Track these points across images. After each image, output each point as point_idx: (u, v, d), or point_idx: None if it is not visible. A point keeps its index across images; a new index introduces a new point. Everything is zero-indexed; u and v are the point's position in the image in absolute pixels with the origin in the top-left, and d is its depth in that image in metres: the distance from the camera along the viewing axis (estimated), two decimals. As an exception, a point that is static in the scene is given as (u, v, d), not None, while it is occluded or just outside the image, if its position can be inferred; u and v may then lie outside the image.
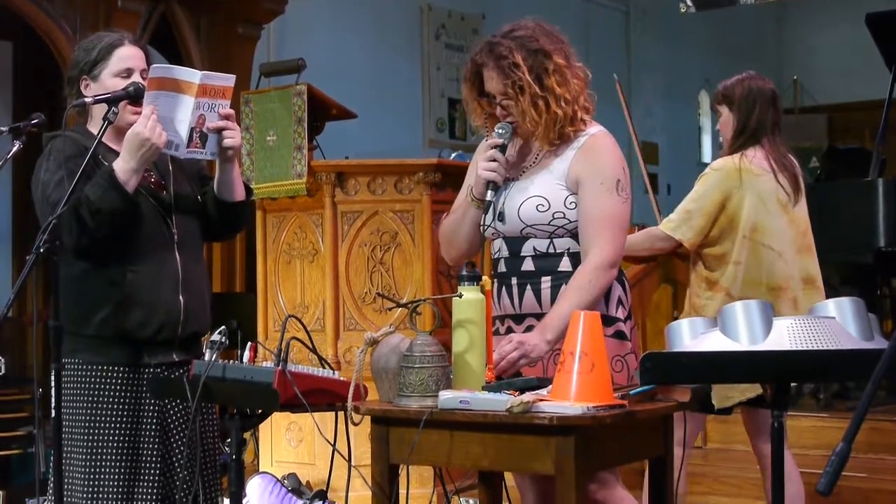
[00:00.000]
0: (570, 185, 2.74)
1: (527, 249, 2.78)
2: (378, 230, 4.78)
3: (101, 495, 2.79)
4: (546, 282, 2.75)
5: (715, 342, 2.24)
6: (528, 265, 2.78)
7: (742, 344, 2.21)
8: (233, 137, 2.83)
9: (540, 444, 2.35)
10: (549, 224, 2.74)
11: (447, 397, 2.44)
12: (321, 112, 4.98)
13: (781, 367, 2.19)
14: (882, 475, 4.73)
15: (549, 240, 2.76)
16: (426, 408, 2.46)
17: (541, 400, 2.37)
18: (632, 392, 2.51)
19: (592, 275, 2.68)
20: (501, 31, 2.79)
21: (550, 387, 2.44)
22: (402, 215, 4.76)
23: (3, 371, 5.80)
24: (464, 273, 2.61)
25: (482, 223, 2.81)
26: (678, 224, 3.63)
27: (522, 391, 2.47)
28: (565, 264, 2.75)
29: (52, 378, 2.64)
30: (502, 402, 2.37)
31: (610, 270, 2.70)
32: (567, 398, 2.35)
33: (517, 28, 2.78)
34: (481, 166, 2.79)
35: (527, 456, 2.39)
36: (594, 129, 2.80)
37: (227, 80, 2.82)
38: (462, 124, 9.12)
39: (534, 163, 2.82)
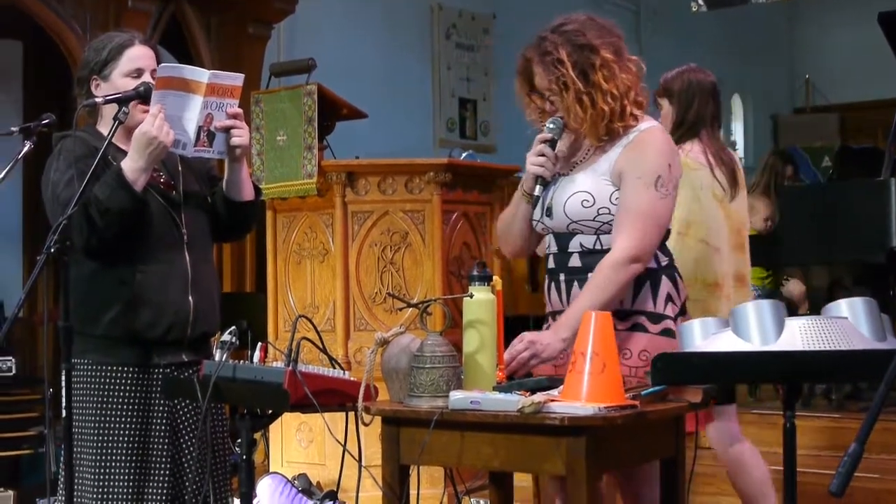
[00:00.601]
0: (615, 181, 2.72)
1: (574, 245, 2.76)
2: (388, 230, 4.77)
3: (111, 495, 2.79)
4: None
5: (727, 342, 2.23)
6: (574, 261, 2.76)
7: (754, 344, 2.20)
8: (241, 136, 2.83)
9: (551, 444, 2.34)
10: (594, 220, 2.72)
11: (458, 398, 2.43)
12: (331, 112, 4.98)
13: (793, 368, 2.18)
14: (895, 476, 4.71)
15: (595, 236, 2.73)
16: (437, 408, 2.45)
17: (552, 400, 2.36)
18: (643, 392, 2.50)
19: (609, 270, 2.66)
20: (551, 26, 2.77)
21: (561, 387, 2.43)
22: (413, 215, 4.76)
23: (13, 371, 5.81)
24: (475, 273, 2.60)
25: (532, 218, 2.81)
26: None
27: (533, 391, 2.46)
28: None
29: (63, 378, 2.64)
30: (513, 402, 2.36)
31: (630, 266, 2.67)
32: (578, 399, 2.34)
33: (567, 22, 2.76)
34: (530, 161, 2.79)
35: (538, 457, 2.38)
36: (646, 125, 2.77)
37: (236, 79, 2.82)
38: (473, 124, 9.11)
39: (584, 158, 2.80)
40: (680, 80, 3.79)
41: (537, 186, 2.78)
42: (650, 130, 2.76)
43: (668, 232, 2.83)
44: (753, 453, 3.80)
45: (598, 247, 2.74)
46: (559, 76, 2.70)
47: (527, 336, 2.65)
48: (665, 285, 2.76)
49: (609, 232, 2.72)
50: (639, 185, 2.69)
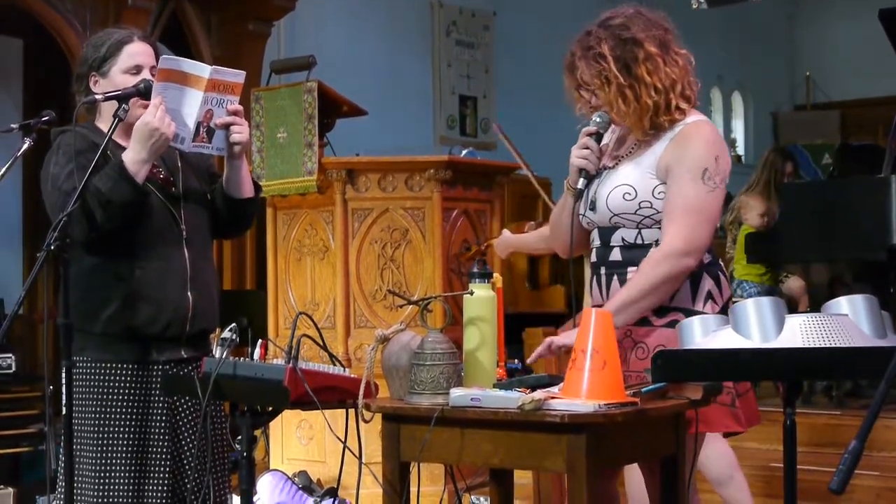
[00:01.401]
0: (660, 175, 2.70)
1: (616, 239, 2.75)
2: (389, 227, 4.77)
3: (111, 492, 2.79)
4: (632, 272, 2.70)
5: (727, 340, 2.23)
6: (615, 255, 2.75)
7: (754, 341, 2.20)
8: (241, 133, 2.83)
9: (551, 441, 2.34)
10: (635, 213, 2.70)
11: (458, 395, 2.43)
12: (332, 109, 4.97)
13: (794, 365, 2.18)
14: (895, 474, 4.71)
15: (636, 230, 2.72)
16: (437, 405, 2.45)
17: (552, 397, 2.36)
18: (644, 390, 2.50)
19: (652, 263, 2.65)
20: (598, 20, 2.75)
21: (562, 384, 2.43)
22: (413, 212, 4.75)
23: (13, 368, 5.81)
24: (475, 270, 2.60)
25: (575, 212, 2.80)
26: None
27: (534, 388, 2.46)
28: None
29: (63, 375, 2.64)
30: (514, 399, 2.36)
31: (680, 259, 2.65)
32: (579, 396, 2.34)
33: (614, 16, 2.74)
34: (574, 154, 2.77)
35: (538, 454, 2.38)
36: (693, 118, 2.75)
37: (238, 76, 2.82)
38: (473, 121, 9.11)
39: (629, 152, 2.78)
40: None
41: (581, 179, 2.76)
42: (696, 123, 2.75)
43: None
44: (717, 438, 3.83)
45: (639, 241, 2.72)
46: (601, 70, 2.68)
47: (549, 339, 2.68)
48: (706, 283, 2.74)
49: (651, 226, 2.70)
50: (686, 178, 2.67)
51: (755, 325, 2.21)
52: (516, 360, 2.73)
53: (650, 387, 2.50)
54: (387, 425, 2.56)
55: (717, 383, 2.58)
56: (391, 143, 6.91)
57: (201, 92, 2.75)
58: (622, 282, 2.72)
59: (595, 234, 2.80)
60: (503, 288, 2.67)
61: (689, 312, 2.68)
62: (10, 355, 5.83)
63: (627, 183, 2.71)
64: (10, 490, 5.00)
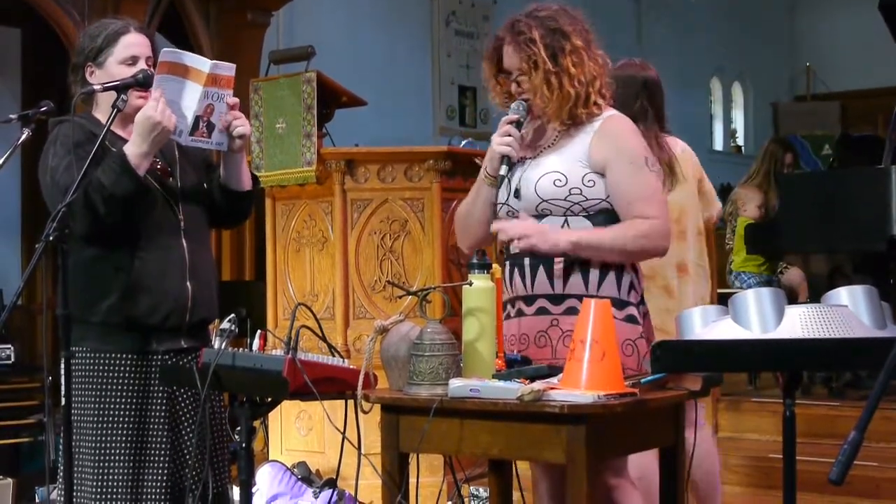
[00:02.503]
0: (592, 166, 2.73)
1: None
2: (388, 218, 4.76)
3: (110, 482, 2.79)
4: (559, 262, 2.73)
5: (726, 330, 2.23)
6: None
7: (754, 332, 2.20)
8: (243, 126, 2.83)
9: (550, 432, 2.34)
10: (565, 199, 2.73)
11: (457, 385, 2.43)
12: (331, 99, 4.96)
13: (793, 356, 2.18)
14: (894, 464, 4.71)
15: (563, 218, 2.74)
16: (436, 396, 2.45)
17: (551, 388, 2.36)
18: (643, 380, 2.50)
19: (648, 229, 2.69)
20: (525, 11, 2.82)
21: (561, 375, 2.43)
22: (412, 203, 4.75)
23: (13, 359, 5.81)
24: (474, 261, 2.60)
25: (496, 200, 2.82)
26: None
27: (533, 379, 2.46)
28: None
29: (62, 366, 2.64)
30: (513, 390, 2.36)
31: (664, 238, 2.72)
32: (578, 386, 2.34)
33: (540, 8, 2.81)
34: (496, 140, 2.80)
35: (537, 444, 2.38)
36: (610, 112, 2.81)
37: (230, 69, 2.82)
38: (472, 111, 9.10)
39: (551, 143, 2.82)
40: (612, 74, 3.74)
41: (503, 166, 2.78)
42: (616, 117, 2.81)
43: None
44: (710, 443, 3.82)
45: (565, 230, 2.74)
46: (531, 55, 2.74)
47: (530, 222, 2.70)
48: (628, 273, 2.78)
49: (578, 213, 2.73)
50: (632, 169, 2.72)
51: (755, 315, 2.21)
52: (515, 351, 2.73)
53: (649, 377, 2.50)
54: (386, 416, 2.56)
55: (717, 374, 2.58)
56: (390, 134, 6.90)
57: (201, 86, 2.75)
58: (548, 272, 2.73)
59: None
60: (502, 278, 2.67)
61: (616, 301, 2.69)
62: (9, 346, 5.83)
63: (557, 170, 2.74)
64: (10, 480, 5.00)
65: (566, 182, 2.72)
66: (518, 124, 2.79)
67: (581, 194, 2.72)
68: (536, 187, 2.74)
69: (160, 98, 2.71)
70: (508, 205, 2.81)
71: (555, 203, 2.73)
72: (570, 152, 2.76)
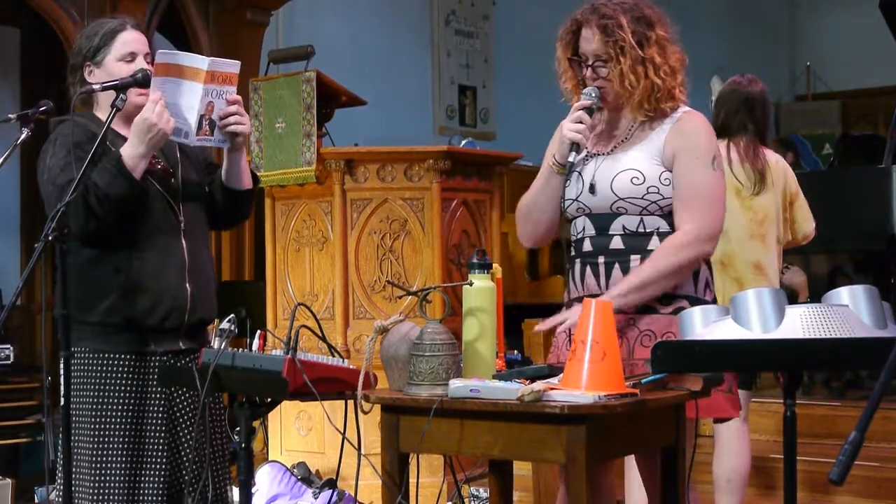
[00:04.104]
0: (665, 162, 2.69)
1: (616, 227, 2.72)
2: (388, 218, 4.76)
3: (106, 483, 2.78)
4: (635, 261, 2.69)
5: (727, 330, 2.22)
6: (616, 243, 2.72)
7: (754, 332, 2.19)
8: (242, 124, 2.82)
9: (551, 432, 2.33)
10: (642, 198, 2.68)
11: (457, 386, 2.42)
12: (330, 99, 4.96)
13: (794, 356, 2.17)
14: (894, 464, 4.71)
15: (639, 217, 2.70)
16: (436, 396, 2.44)
17: (552, 388, 2.35)
18: (643, 381, 2.49)
19: (669, 246, 2.65)
20: None
21: (561, 375, 2.42)
22: (412, 203, 4.74)
23: (11, 359, 5.80)
24: (474, 261, 2.59)
25: (564, 194, 2.76)
26: None
27: (533, 380, 2.45)
28: (654, 243, 2.69)
29: (61, 366, 2.64)
30: (513, 390, 2.35)
31: (703, 244, 2.67)
32: (578, 387, 2.33)
33: None
34: (567, 127, 2.72)
35: (537, 445, 2.37)
36: (685, 108, 2.77)
37: (234, 66, 2.80)
38: (472, 111, 9.09)
39: (627, 137, 2.76)
40: (722, 89, 4.20)
41: (572, 153, 2.72)
42: (691, 113, 2.76)
43: None
44: (744, 440, 3.89)
45: (641, 229, 2.71)
46: (617, 39, 2.66)
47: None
48: (704, 271, 2.76)
49: (654, 213, 2.69)
50: (697, 164, 2.67)
51: (756, 315, 2.20)
52: (516, 351, 2.72)
53: (650, 377, 2.49)
54: (386, 416, 2.56)
55: (718, 374, 2.57)
56: (390, 134, 6.89)
57: (201, 85, 2.74)
58: (624, 270, 2.70)
59: (586, 223, 2.76)
60: (502, 278, 2.66)
61: (693, 300, 2.68)
62: (8, 346, 5.82)
63: (635, 167, 2.69)
64: (9, 481, 5.00)
65: (644, 180, 2.68)
66: (590, 111, 2.72)
67: (658, 193, 2.68)
68: (613, 185, 2.69)
69: (157, 101, 2.70)
70: (580, 201, 2.75)
71: (632, 202, 2.69)
72: (646, 148, 2.71)
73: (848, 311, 2.20)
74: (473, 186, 4.94)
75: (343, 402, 2.55)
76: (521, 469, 4.18)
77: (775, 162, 3.94)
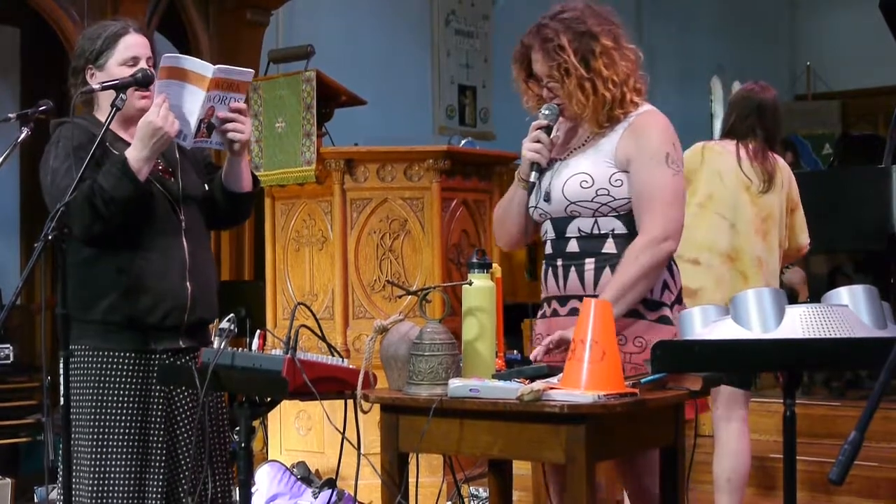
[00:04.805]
0: (618, 163, 2.71)
1: (571, 230, 2.75)
2: (387, 217, 4.76)
3: (107, 482, 2.78)
4: (590, 263, 2.72)
5: (727, 330, 2.22)
6: (572, 246, 2.75)
7: (754, 332, 2.19)
8: (241, 132, 2.81)
9: (550, 432, 2.33)
10: (592, 201, 2.71)
11: (457, 385, 2.42)
12: (330, 98, 4.96)
13: (794, 356, 2.17)
14: (894, 464, 4.71)
15: (593, 219, 2.72)
16: (436, 396, 2.44)
17: (551, 388, 2.35)
18: (643, 380, 2.49)
19: (638, 251, 2.65)
20: (550, 13, 2.78)
21: (561, 375, 2.42)
22: (412, 202, 4.74)
23: (11, 359, 5.81)
24: (474, 260, 2.59)
25: (528, 204, 2.82)
26: None
27: (533, 379, 2.45)
28: (610, 246, 2.72)
29: (61, 365, 2.64)
30: (513, 390, 2.35)
31: (662, 244, 2.66)
32: (578, 386, 2.33)
33: (566, 10, 2.77)
34: (526, 147, 2.79)
35: (537, 444, 2.37)
36: (644, 108, 2.77)
37: (244, 74, 2.80)
38: (472, 111, 9.09)
39: (582, 144, 2.79)
40: (736, 93, 4.21)
41: (533, 172, 2.78)
42: (649, 113, 2.77)
43: None
44: (744, 441, 3.90)
45: (595, 231, 2.73)
46: (560, 62, 2.70)
47: (557, 333, 2.66)
48: (661, 274, 2.75)
49: (607, 214, 2.72)
50: (651, 164, 2.68)
51: (755, 315, 2.20)
52: (515, 351, 2.72)
53: (650, 377, 2.49)
54: (385, 416, 2.56)
55: (717, 374, 2.57)
56: (390, 133, 6.90)
57: (204, 90, 2.74)
58: (579, 273, 2.73)
59: (548, 226, 2.81)
60: (502, 278, 2.66)
61: (648, 302, 2.70)
62: (8, 346, 5.83)
63: (583, 171, 2.73)
64: (9, 481, 5.00)
65: (593, 183, 2.70)
66: (548, 129, 2.77)
67: (608, 195, 2.70)
68: (564, 190, 2.73)
69: (162, 104, 2.71)
70: (539, 208, 2.80)
71: (582, 205, 2.72)
72: (598, 152, 2.74)
73: (848, 311, 2.19)
74: (473, 186, 4.94)
75: (343, 401, 2.55)
76: (521, 469, 4.18)
77: (783, 166, 4.00)
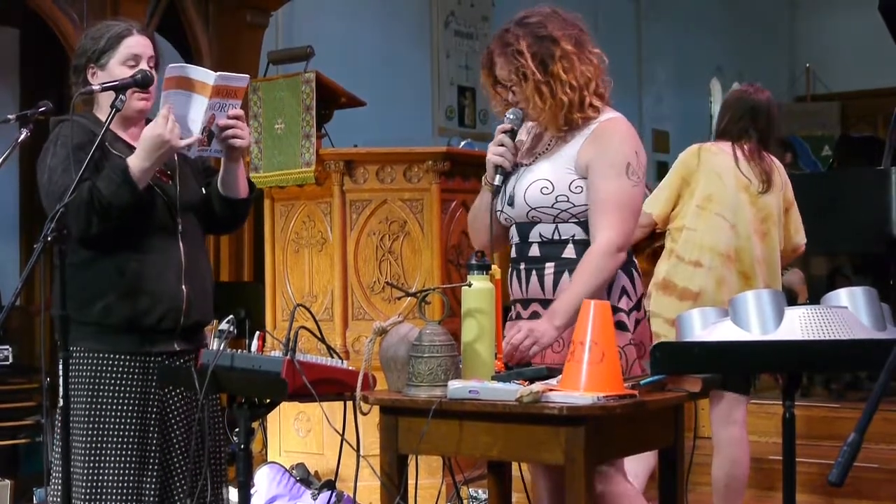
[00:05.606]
0: (578, 170, 2.73)
1: (534, 235, 2.77)
2: (387, 219, 4.76)
3: (100, 483, 2.78)
4: (550, 268, 2.74)
5: (726, 332, 2.23)
6: (534, 251, 2.77)
7: (753, 333, 2.19)
8: (241, 138, 2.82)
9: (550, 434, 2.34)
10: (552, 207, 2.73)
11: (456, 387, 2.42)
12: (330, 100, 4.96)
13: (793, 358, 2.17)
14: (894, 466, 4.71)
15: (553, 225, 2.75)
16: (435, 397, 2.44)
17: (550, 390, 2.35)
18: (642, 382, 2.49)
19: (597, 259, 2.66)
20: (515, 19, 2.81)
21: (560, 376, 2.42)
22: (411, 204, 4.74)
23: (10, 360, 5.80)
24: (473, 262, 2.59)
25: (494, 208, 2.83)
26: (647, 201, 3.87)
27: (532, 381, 2.45)
28: (570, 251, 2.74)
29: (60, 367, 2.63)
30: (512, 391, 2.35)
31: (616, 255, 2.68)
32: (577, 388, 2.33)
33: (530, 15, 2.80)
34: (490, 151, 2.82)
35: (536, 446, 2.37)
36: (607, 115, 2.79)
37: (241, 80, 2.81)
38: (472, 112, 9.10)
39: (546, 149, 2.82)
40: (729, 94, 4.24)
41: (497, 176, 2.80)
42: (612, 120, 2.78)
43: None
44: (743, 447, 3.90)
45: (556, 237, 2.75)
46: (518, 66, 2.73)
47: (524, 325, 2.64)
48: (620, 278, 2.76)
49: (567, 220, 2.73)
50: (610, 174, 2.70)
51: (755, 317, 2.20)
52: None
53: (649, 379, 2.50)
54: (384, 418, 2.56)
55: (717, 375, 2.57)
56: (389, 135, 6.90)
57: (206, 98, 2.75)
58: (540, 277, 2.75)
59: (514, 231, 2.83)
60: (501, 280, 2.67)
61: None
62: (7, 347, 5.82)
63: (544, 178, 2.74)
64: (8, 482, 5.00)
65: (553, 189, 2.72)
66: (512, 133, 2.80)
67: (568, 201, 2.72)
68: (525, 195, 2.75)
69: (168, 115, 2.71)
70: (504, 212, 2.82)
71: (542, 210, 2.74)
72: (560, 158, 2.76)
73: (847, 313, 2.20)
74: (472, 187, 4.93)
75: (342, 403, 2.55)
76: (520, 470, 4.18)
77: (779, 167, 4.01)
